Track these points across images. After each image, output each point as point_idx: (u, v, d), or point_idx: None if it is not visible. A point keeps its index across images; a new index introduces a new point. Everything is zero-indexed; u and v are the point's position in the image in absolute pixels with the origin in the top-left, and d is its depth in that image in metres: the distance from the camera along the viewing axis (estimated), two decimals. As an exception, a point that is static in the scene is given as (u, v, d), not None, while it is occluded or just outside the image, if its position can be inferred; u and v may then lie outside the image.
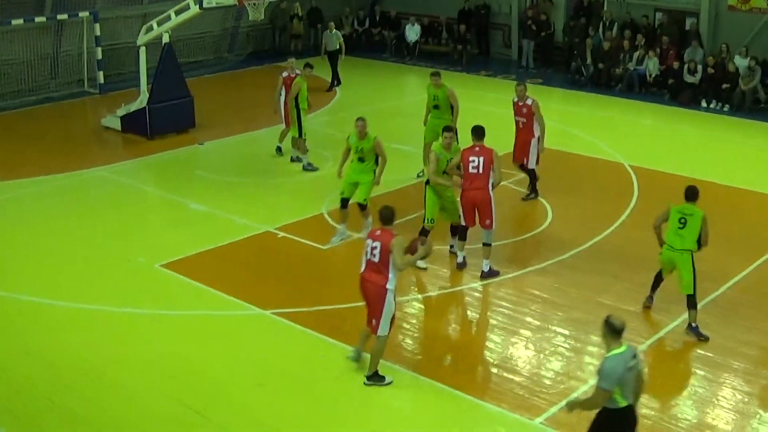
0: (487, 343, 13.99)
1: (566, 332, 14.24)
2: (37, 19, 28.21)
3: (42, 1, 28.81)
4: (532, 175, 20.11)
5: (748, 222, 19.01)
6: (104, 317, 14.63)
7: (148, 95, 24.45)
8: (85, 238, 17.79)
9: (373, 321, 12.66)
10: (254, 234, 17.70)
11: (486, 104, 24.68)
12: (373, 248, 12.54)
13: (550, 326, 14.45)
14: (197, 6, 23.27)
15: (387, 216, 12.92)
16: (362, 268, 12.71)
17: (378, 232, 12.70)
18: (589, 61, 31.06)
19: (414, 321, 14.70)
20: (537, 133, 19.90)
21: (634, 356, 9.69)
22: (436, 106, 20.49)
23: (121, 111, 25.07)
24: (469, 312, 14.98)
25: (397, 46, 36.12)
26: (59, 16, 28.58)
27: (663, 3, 31.61)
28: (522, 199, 19.92)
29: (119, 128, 24.87)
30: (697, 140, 25.56)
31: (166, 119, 24.22)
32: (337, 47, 30.14)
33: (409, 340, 14.03)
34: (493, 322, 14.60)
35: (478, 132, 16.42)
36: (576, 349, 13.76)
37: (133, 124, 24.51)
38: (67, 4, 28.88)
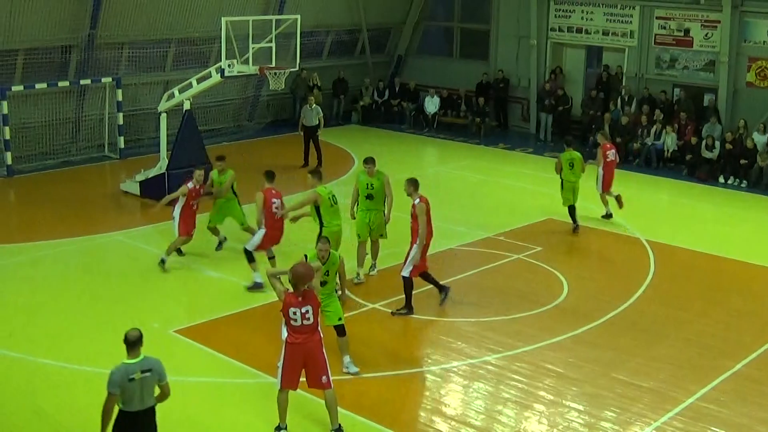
0: (500, 417, 13.87)
1: (580, 407, 14.12)
2: (61, 84, 28.54)
3: (66, 66, 29.16)
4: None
5: (765, 298, 18.93)
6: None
7: (167, 161, 24.60)
8: (99, 302, 17.81)
9: (323, 378, 12.69)
10: (269, 302, 17.67)
11: (503, 177, 24.78)
12: (304, 313, 12.45)
13: (563, 401, 14.34)
14: (219, 74, 23.51)
15: (297, 278, 12.59)
16: (294, 336, 12.54)
17: (300, 299, 12.50)
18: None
19: (427, 393, 14.62)
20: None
21: (148, 370, 10.61)
22: (369, 196, 19.11)
23: (140, 176, 25.22)
24: (482, 385, 14.88)
25: (416, 118, 36.36)
26: (82, 81, 28.90)
27: (681, 79, 31.79)
28: (391, 313, 17.62)
29: (138, 193, 25.01)
30: (715, 216, 25.54)
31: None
32: (316, 123, 28.86)
33: (422, 413, 13.94)
34: (506, 395, 14.50)
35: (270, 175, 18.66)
36: (589, 424, 13.63)
37: (151, 189, 24.63)
38: (90, 69, 29.22)
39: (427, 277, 17.77)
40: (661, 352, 16.08)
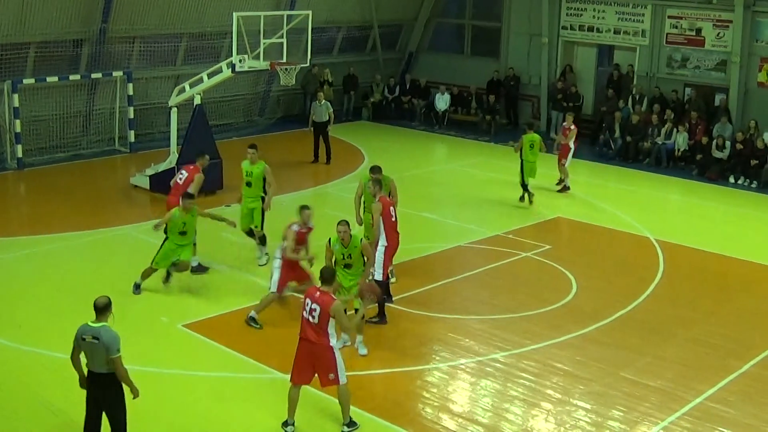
0: (507, 415, 13.87)
1: (587, 406, 14.12)
2: (72, 77, 28.58)
3: (77, 60, 29.21)
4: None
5: (774, 300, 18.92)
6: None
7: (177, 155, 24.64)
8: (108, 296, 17.78)
9: (330, 375, 12.74)
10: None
11: (513, 175, 24.72)
12: (312, 310, 12.56)
13: (571, 399, 14.34)
14: (230, 69, 23.53)
15: (327, 276, 12.88)
16: (302, 331, 12.77)
17: (317, 294, 12.65)
18: (617, 134, 31.14)
19: (434, 390, 14.62)
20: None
21: (96, 338, 11.18)
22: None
23: (150, 170, 25.27)
24: (490, 383, 14.89)
25: (426, 115, 36.36)
26: (93, 75, 28.96)
27: (692, 78, 31.74)
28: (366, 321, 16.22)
29: (148, 187, 25.05)
30: (724, 216, 25.52)
31: (194, 180, 24.36)
32: (326, 119, 28.87)
33: (429, 410, 13.94)
34: (513, 393, 14.50)
35: None
36: (596, 423, 13.63)
37: (161, 183, 24.63)
38: (101, 63, 29.28)
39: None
40: (669, 352, 16.07)
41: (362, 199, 18.97)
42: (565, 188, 26.27)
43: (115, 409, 11.60)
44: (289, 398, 12.94)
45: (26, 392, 14.11)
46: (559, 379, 14.92)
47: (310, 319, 12.60)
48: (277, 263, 16.45)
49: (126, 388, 11.59)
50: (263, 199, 19.75)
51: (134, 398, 11.65)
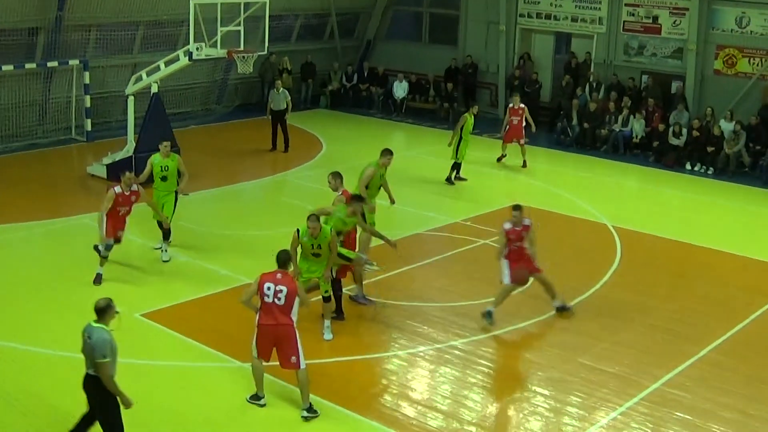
0: (467, 402, 13.92)
1: (546, 392, 14.19)
2: (28, 66, 28.29)
3: (33, 49, 28.92)
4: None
5: (730, 285, 19.10)
6: (81, 365, 14.52)
7: (134, 144, 24.48)
8: (64, 286, 17.73)
9: (293, 358, 12.99)
10: (237, 286, 17.61)
11: (471, 162, 24.83)
12: (277, 292, 12.90)
13: (529, 386, 14.42)
14: (187, 57, 23.40)
15: (284, 259, 13.38)
16: (264, 317, 13.00)
17: (279, 276, 13.05)
18: (574, 121, 31.29)
19: (393, 378, 14.65)
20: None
21: (89, 337, 11.08)
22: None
23: (108, 159, 25.09)
24: (449, 369, 14.93)
25: (384, 103, 36.37)
26: (49, 64, 28.67)
27: (649, 66, 31.96)
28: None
29: (105, 176, 24.86)
30: (681, 202, 25.73)
31: (151, 169, 24.23)
32: (284, 107, 28.75)
33: (387, 397, 13.97)
34: (472, 380, 14.55)
35: None
36: (555, 409, 13.71)
37: (118, 172, 24.42)
38: (57, 51, 28.99)
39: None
40: (627, 338, 16.19)
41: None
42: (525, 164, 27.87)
43: (103, 413, 11.40)
44: (254, 370, 13.21)
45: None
46: (517, 366, 15.00)
47: (276, 301, 12.83)
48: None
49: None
50: (176, 193, 19.51)
51: (126, 408, 11.37)
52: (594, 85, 32.30)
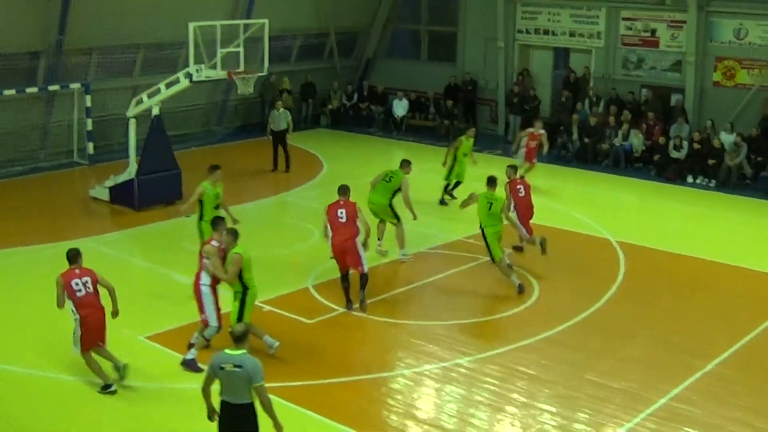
0: (473, 421, 13.90)
1: (552, 409, 14.17)
2: (29, 90, 28.35)
3: (34, 72, 29.00)
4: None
5: (734, 298, 19.07)
6: (86, 388, 14.54)
7: (136, 167, 24.52)
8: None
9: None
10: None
11: (472, 179, 24.66)
12: (85, 283, 14.50)
13: (536, 403, 14.39)
14: (187, 79, 23.44)
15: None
16: (83, 310, 14.43)
17: (77, 271, 14.62)
18: (575, 136, 31.30)
19: (399, 397, 14.62)
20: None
21: (239, 366, 10.78)
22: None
23: (110, 182, 25.12)
24: (454, 388, 14.91)
25: (384, 121, 36.40)
26: (51, 87, 28.73)
27: (648, 79, 31.97)
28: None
29: (107, 199, 24.91)
30: (683, 215, 25.74)
31: (154, 191, 24.29)
32: (285, 127, 28.86)
33: (394, 417, 13.94)
34: (478, 398, 14.53)
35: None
36: (562, 426, 13.68)
37: (121, 195, 24.56)
38: (59, 75, 29.06)
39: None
40: (633, 353, 16.17)
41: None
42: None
43: None
44: (90, 366, 14.52)
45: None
46: (523, 383, 14.96)
47: (87, 290, 14.55)
48: None
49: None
50: None
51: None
52: (593, 99, 32.32)
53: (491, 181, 19.61)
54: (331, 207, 17.98)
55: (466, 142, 25.69)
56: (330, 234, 17.78)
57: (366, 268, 17.66)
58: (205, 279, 15.12)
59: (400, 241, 20.86)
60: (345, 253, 17.52)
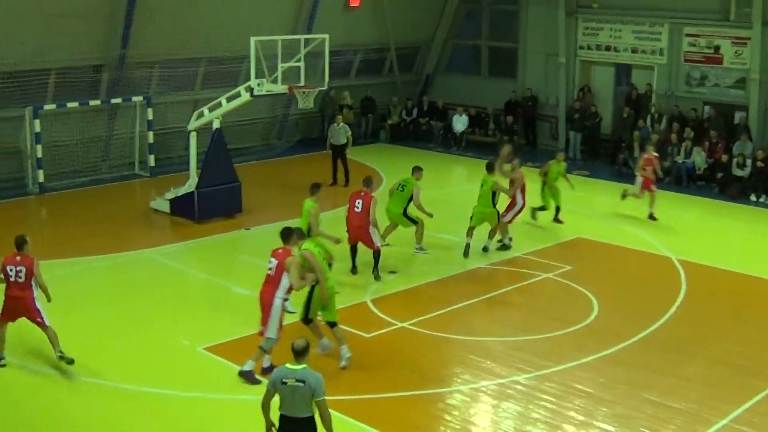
0: (530, 437, 13.83)
1: (611, 428, 14.02)
2: (92, 103, 28.73)
3: (97, 86, 29.37)
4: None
5: (797, 319, 18.78)
6: (145, 397, 14.65)
7: (197, 179, 24.70)
8: (129, 319, 17.89)
9: (38, 320, 15.67)
10: (297, 320, 17.66)
11: (532, 195, 24.51)
12: (18, 272, 15.30)
13: (593, 422, 14.24)
14: (248, 93, 23.59)
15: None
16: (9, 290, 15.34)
17: (18, 258, 15.33)
18: (636, 153, 31.04)
19: (456, 413, 14.56)
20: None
21: (302, 381, 10.78)
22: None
23: (170, 194, 25.33)
24: (511, 405, 14.81)
25: (444, 136, 36.39)
26: (113, 100, 29.10)
27: (711, 96, 31.64)
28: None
29: (168, 211, 25.12)
30: (746, 234, 25.40)
31: (214, 203, 24.45)
32: (345, 141, 29.05)
33: (450, 432, 13.91)
34: (535, 416, 14.42)
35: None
36: (620, 445, 13.56)
37: (181, 207, 24.75)
38: (121, 88, 29.42)
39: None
40: (693, 372, 15.97)
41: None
42: (653, 217, 25.92)
43: None
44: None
45: (45, 414, 14.16)
46: (581, 402, 14.83)
47: (18, 279, 15.32)
48: None
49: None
50: None
51: None
52: (655, 116, 32.07)
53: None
54: (352, 195, 20.42)
55: (555, 166, 25.22)
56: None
57: (378, 245, 20.19)
58: (281, 292, 15.11)
59: (418, 236, 22.07)
60: (357, 239, 20.27)
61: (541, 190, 24.94)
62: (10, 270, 15.35)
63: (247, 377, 15.04)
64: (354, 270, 20.58)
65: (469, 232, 22.25)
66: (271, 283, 15.16)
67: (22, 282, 15.35)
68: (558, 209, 25.13)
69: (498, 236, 22.69)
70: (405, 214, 21.68)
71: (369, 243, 20.23)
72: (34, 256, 15.65)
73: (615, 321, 18.24)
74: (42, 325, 15.48)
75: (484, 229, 22.30)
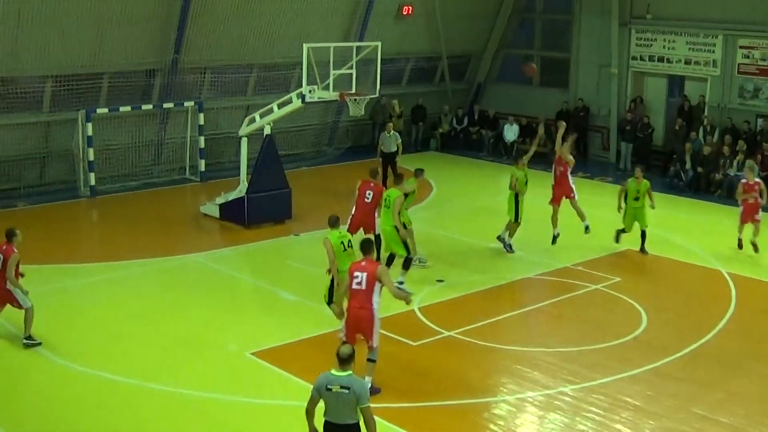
0: (576, 449, 13.74)
1: (657, 441, 13.93)
2: (144, 107, 29.01)
3: (149, 90, 29.64)
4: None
5: None
6: (192, 402, 14.73)
7: (247, 185, 24.81)
8: (177, 322, 18.02)
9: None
10: (340, 327, 17.71)
11: (583, 206, 24.37)
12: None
13: (641, 435, 14.17)
14: (299, 100, 23.68)
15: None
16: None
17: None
18: (688, 165, 30.82)
19: (501, 423, 14.50)
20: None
21: (347, 387, 10.75)
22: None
23: (220, 199, 25.47)
24: (557, 416, 14.73)
25: (494, 146, 36.32)
26: (165, 105, 29.37)
27: (765, 109, 31.32)
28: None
29: (217, 216, 25.26)
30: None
31: (263, 209, 24.55)
32: (395, 149, 29.06)
33: (496, 442, 13.87)
34: (582, 427, 14.33)
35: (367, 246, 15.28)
36: (667, 459, 13.45)
37: (231, 212, 24.87)
38: (173, 93, 29.67)
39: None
40: (741, 387, 15.80)
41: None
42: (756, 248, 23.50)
43: None
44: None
45: (93, 415, 14.28)
46: (628, 414, 14.72)
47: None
48: None
49: None
50: None
51: None
52: (708, 128, 31.81)
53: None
54: (363, 184, 21.21)
55: (632, 184, 23.40)
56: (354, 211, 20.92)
57: (378, 231, 20.56)
58: (377, 298, 14.76)
59: (412, 248, 20.56)
60: (366, 230, 20.66)
61: (624, 213, 23.51)
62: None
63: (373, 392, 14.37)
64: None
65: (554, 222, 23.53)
66: (361, 296, 14.60)
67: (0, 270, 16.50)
68: (644, 235, 23.35)
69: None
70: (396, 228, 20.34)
71: (372, 229, 20.77)
72: (17, 249, 16.53)
73: (663, 334, 18.10)
74: (19, 307, 16.64)
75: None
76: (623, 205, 23.48)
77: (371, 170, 21.92)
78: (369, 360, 14.80)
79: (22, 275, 16.84)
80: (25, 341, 16.55)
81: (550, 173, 24.09)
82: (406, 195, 20.57)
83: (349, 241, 16.99)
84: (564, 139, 23.62)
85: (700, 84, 33.18)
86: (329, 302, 17.21)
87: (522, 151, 27.31)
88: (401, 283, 19.46)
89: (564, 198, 23.65)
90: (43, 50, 26.75)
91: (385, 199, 20.32)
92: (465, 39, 38.03)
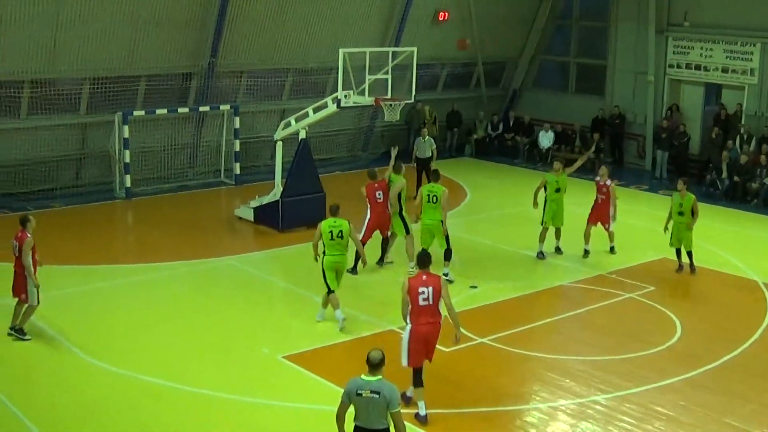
0: (608, 458, 13.68)
1: (690, 452, 13.84)
2: (180, 110, 29.16)
3: (186, 93, 29.80)
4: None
5: None
6: (224, 404, 14.77)
7: (282, 189, 24.87)
8: (210, 325, 18.08)
9: (23, 296, 16.82)
10: (378, 332, 17.73)
11: (618, 214, 24.24)
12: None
13: (673, 445, 14.07)
14: (335, 105, 23.71)
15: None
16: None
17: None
18: (724, 174, 30.63)
19: (533, 430, 14.45)
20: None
21: (377, 392, 10.79)
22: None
23: (255, 202, 25.54)
24: (590, 425, 14.66)
25: (529, 152, 36.25)
26: (201, 108, 29.50)
27: (803, 119, 31.12)
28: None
29: (252, 219, 25.33)
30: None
31: (298, 213, 24.58)
32: (429, 155, 29.03)
33: (527, 450, 13.82)
34: (614, 436, 14.29)
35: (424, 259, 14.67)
36: (700, 470, 13.35)
37: (265, 215, 24.94)
38: (209, 97, 29.82)
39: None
40: (776, 399, 15.70)
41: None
42: None
43: None
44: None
45: (123, 416, 14.35)
46: (661, 424, 14.63)
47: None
48: None
49: None
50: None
51: None
52: (745, 137, 31.59)
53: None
54: (369, 186, 22.00)
55: (676, 197, 22.31)
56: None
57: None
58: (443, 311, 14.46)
59: (410, 254, 21.63)
60: (381, 230, 22.05)
61: (670, 229, 22.40)
62: (13, 245, 16.75)
63: (420, 420, 14.25)
64: (380, 261, 22.27)
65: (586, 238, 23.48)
66: (430, 311, 14.20)
67: (17, 256, 16.71)
68: (690, 256, 22.32)
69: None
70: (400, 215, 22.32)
71: (387, 227, 22.19)
72: (30, 234, 16.66)
73: (698, 344, 17.99)
74: (24, 301, 16.81)
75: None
76: (669, 220, 22.34)
77: (369, 172, 22.67)
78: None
79: (40, 264, 17.06)
80: (11, 331, 16.92)
81: (581, 179, 23.95)
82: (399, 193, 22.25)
83: (340, 231, 18.04)
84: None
85: (737, 92, 32.96)
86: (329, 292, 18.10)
87: (561, 159, 26.93)
88: (446, 274, 20.62)
89: (599, 223, 23.48)
90: (80, 53, 26.99)
91: (428, 195, 21.07)
92: (501, 45, 37.98)
